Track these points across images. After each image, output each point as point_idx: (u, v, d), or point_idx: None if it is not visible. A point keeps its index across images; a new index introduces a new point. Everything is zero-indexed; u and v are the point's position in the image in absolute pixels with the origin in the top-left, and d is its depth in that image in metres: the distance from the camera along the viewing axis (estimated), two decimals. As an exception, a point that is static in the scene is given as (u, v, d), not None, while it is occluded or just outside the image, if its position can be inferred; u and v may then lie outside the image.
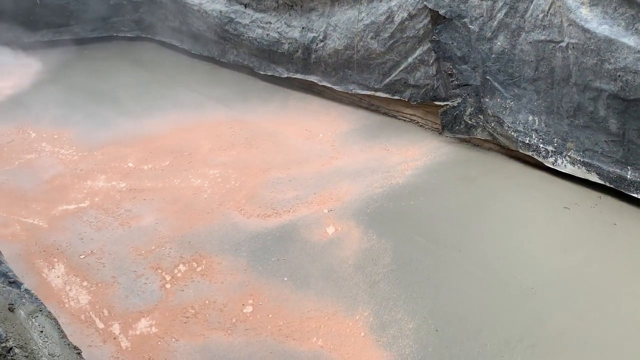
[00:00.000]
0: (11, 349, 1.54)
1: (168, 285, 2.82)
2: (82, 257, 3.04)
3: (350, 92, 4.99)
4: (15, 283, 2.03)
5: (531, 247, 3.03)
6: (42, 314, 1.91)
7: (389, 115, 4.89)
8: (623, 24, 3.09)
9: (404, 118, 4.77)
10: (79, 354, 1.79)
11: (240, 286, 2.81)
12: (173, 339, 2.47)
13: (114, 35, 7.36)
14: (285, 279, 2.86)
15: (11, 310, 1.75)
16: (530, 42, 3.58)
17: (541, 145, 3.70)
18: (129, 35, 7.37)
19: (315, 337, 2.47)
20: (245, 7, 5.63)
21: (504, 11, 3.67)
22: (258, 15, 5.52)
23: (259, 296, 2.73)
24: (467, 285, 2.76)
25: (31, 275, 2.88)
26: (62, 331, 1.89)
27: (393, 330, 2.49)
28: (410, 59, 4.40)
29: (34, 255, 3.05)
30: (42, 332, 1.77)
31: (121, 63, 6.54)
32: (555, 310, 2.56)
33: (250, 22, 5.58)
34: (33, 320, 1.81)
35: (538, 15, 3.51)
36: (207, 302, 2.70)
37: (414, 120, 4.70)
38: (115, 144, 4.41)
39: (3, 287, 1.91)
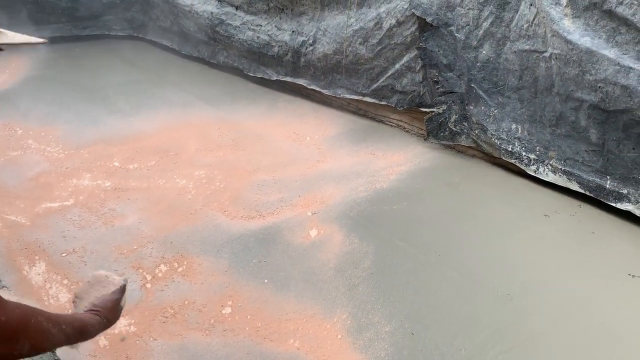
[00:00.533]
0: (-16, 345, 1.55)
1: (148, 285, 2.83)
2: (63, 255, 3.05)
3: (338, 96, 5.03)
4: (-8, 280, 2.04)
5: (510, 254, 3.07)
6: (18, 311, 1.92)
7: (376, 120, 4.93)
8: (604, 36, 3.15)
9: (390, 123, 4.81)
10: (52, 351, 1.80)
11: (220, 287, 2.82)
12: (151, 338, 2.48)
13: (105, 33, 7.35)
14: (266, 281, 2.88)
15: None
16: (515, 52, 3.63)
17: (524, 153, 3.75)
18: (120, 34, 7.37)
19: (293, 339, 2.49)
20: (237, 9, 5.65)
21: (489, 20, 3.72)
22: (249, 17, 5.55)
23: (239, 297, 2.75)
24: (445, 289, 2.79)
25: (11, 273, 2.88)
26: (37, 329, 1.90)
27: (370, 333, 2.52)
28: (397, 66, 4.44)
29: (15, 253, 3.05)
30: (17, 329, 1.78)
31: (112, 61, 6.54)
32: (531, 317, 2.60)
33: (241, 24, 5.60)
34: (8, 317, 1.83)
35: (523, 25, 3.56)
36: (186, 302, 2.71)
37: (400, 126, 4.74)
38: (102, 142, 4.41)
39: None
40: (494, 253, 3.08)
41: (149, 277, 2.88)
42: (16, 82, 5.72)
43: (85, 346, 2.44)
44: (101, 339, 2.48)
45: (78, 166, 4.02)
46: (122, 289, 1.55)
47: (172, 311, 2.64)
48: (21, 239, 3.17)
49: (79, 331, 1.33)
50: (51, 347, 1.27)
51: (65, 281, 2.85)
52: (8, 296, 1.99)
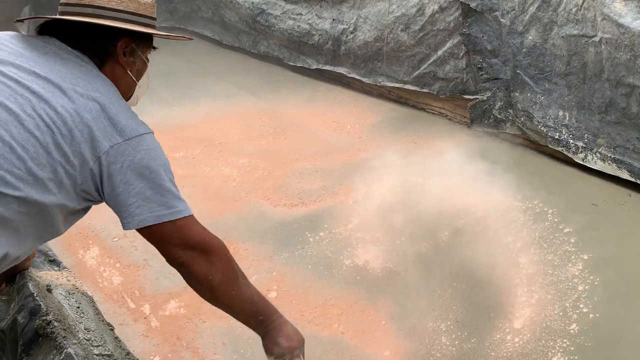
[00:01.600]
0: (50, 322, 1.65)
1: (196, 269, 2.92)
2: (115, 239, 3.17)
3: (378, 84, 5.01)
4: (54, 261, 2.16)
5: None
6: (79, 291, 2.03)
7: (418, 108, 4.89)
8: (659, 18, 3.04)
9: (432, 111, 4.77)
10: (112, 329, 1.89)
11: (265, 272, 2.89)
12: (200, 320, 2.56)
13: (148, 25, 7.50)
14: (310, 267, 2.92)
15: (49, 290, 1.86)
16: (563, 37, 3.54)
17: (571, 141, 3.67)
18: (163, 25, 7.52)
19: (337, 324, 2.53)
20: (277, -2, 5.69)
21: (536, 5, 3.64)
22: (289, 6, 5.58)
23: (284, 283, 2.81)
24: (491, 277, 2.77)
25: (68, 255, 3.01)
26: (96, 308, 2.00)
27: (414, 320, 2.53)
28: (440, 52, 4.40)
29: (71, 237, 3.19)
30: (78, 308, 1.88)
31: (155, 52, 6.68)
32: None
33: (281, 14, 5.63)
34: (70, 297, 1.93)
35: (571, 9, 3.46)
36: (233, 286, 2.78)
37: (443, 114, 4.69)
38: (148, 131, 4.53)
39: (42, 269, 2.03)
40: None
41: (196, 262, 2.97)
42: (66, 73, 5.93)
43: (138, 327, 2.55)
44: (153, 320, 2.58)
45: (126, 154, 4.15)
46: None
47: (219, 295, 2.72)
48: (76, 224, 3.29)
49: (262, 303, 1.54)
50: (237, 299, 1.49)
51: (118, 264, 2.97)
52: (67, 276, 2.08)
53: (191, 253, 1.44)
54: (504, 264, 2.91)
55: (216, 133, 4.53)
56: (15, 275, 1.84)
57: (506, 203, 3.43)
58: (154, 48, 1.71)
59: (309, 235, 3.20)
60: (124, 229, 1.41)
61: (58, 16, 1.47)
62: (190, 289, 2.64)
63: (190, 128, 4.62)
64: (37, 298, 1.76)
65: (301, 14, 5.48)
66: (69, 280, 2.07)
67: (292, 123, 4.72)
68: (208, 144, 4.32)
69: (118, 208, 1.39)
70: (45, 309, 1.71)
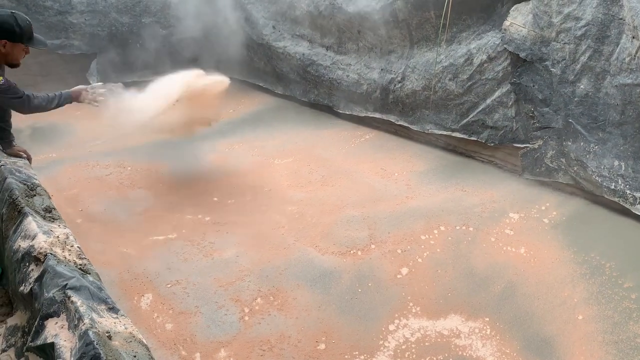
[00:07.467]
0: (109, 370, 1.70)
1: (246, 318, 2.96)
2: (168, 286, 3.26)
3: (426, 131, 5.03)
4: (113, 309, 2.23)
5: (616, 299, 2.90)
6: (135, 340, 2.09)
7: (466, 156, 4.86)
8: None
9: (482, 159, 4.73)
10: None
11: (314, 322, 2.89)
12: (249, 371, 2.58)
13: (203, 75, 7.84)
14: (359, 317, 2.91)
15: (109, 338, 1.93)
16: (616, 86, 3.48)
17: (628, 192, 3.55)
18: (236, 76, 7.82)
19: (386, 379, 2.49)
20: (327, 49, 5.87)
21: (587, 54, 3.62)
22: (339, 57, 5.73)
23: (333, 334, 2.80)
24: (547, 334, 2.68)
25: (124, 301, 3.12)
26: (152, 357, 2.05)
27: (466, 377, 2.47)
28: (488, 101, 4.40)
29: (126, 282, 3.31)
30: (135, 357, 1.93)
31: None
32: None
33: (331, 64, 5.79)
34: (127, 345, 1.99)
35: (624, 59, 3.42)
36: (282, 336, 2.80)
37: (493, 162, 4.65)
38: (202, 179, 4.70)
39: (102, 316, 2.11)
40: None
41: (246, 310, 3.01)
42: (126, 122, 6.23)
43: (189, 374, 2.58)
44: (203, 369, 2.61)
45: (181, 201, 4.31)
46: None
47: (269, 345, 2.74)
48: (131, 270, 3.43)
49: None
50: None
51: (171, 311, 3.04)
52: (124, 324, 2.16)
53: None
54: (560, 319, 2.81)
55: (266, 180, 4.63)
56: None
57: (561, 255, 3.34)
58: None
59: (357, 285, 3.19)
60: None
61: None
62: (240, 338, 2.68)
63: (242, 175, 4.74)
64: (98, 346, 1.83)
65: (350, 64, 5.62)
66: (126, 328, 2.14)
67: (339, 170, 4.78)
68: (258, 191, 4.43)
69: None
70: (104, 357, 1.77)
